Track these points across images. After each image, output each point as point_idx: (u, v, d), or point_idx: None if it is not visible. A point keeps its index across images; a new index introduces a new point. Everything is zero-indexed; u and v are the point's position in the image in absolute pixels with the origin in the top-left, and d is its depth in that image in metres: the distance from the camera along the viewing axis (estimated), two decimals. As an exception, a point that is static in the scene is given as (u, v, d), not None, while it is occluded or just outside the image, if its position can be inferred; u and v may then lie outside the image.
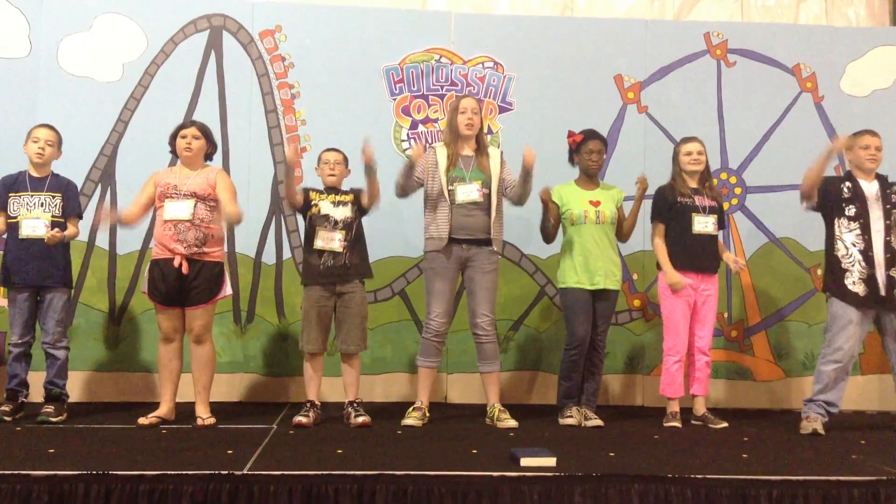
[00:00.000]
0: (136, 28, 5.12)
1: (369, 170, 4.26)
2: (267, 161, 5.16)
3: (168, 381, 4.28)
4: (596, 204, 4.49)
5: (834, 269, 4.37)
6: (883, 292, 4.26)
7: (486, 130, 4.90)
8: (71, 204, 4.40)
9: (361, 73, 5.21)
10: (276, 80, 5.19)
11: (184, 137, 4.25)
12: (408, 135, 5.20)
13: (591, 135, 4.53)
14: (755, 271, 5.33)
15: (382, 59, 5.24)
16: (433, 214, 4.41)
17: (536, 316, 5.26)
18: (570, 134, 4.58)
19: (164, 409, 4.23)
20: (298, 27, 5.22)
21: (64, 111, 4.96)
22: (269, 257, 5.15)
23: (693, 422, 4.54)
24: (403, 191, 4.47)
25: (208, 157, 4.40)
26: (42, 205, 4.31)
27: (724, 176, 5.38)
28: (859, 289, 4.28)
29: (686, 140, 4.61)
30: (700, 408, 4.56)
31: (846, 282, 4.31)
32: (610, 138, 5.23)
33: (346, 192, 4.44)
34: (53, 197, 4.34)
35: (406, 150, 5.12)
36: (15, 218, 4.29)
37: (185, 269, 4.12)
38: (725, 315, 5.31)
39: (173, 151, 4.35)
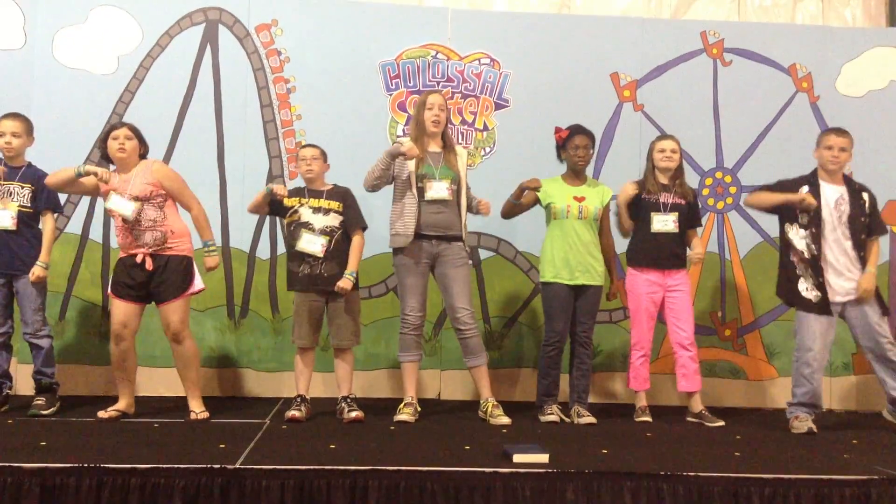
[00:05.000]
0: (131, 21, 5.09)
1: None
2: (262, 155, 5.14)
3: (125, 380, 4.22)
4: (580, 199, 4.47)
5: (787, 275, 4.37)
6: (834, 298, 4.25)
7: (466, 124, 4.89)
8: (42, 197, 4.33)
9: (357, 68, 5.20)
10: (271, 75, 5.17)
11: (115, 139, 4.14)
12: (403, 131, 5.19)
13: (577, 130, 4.52)
14: (749, 271, 5.34)
15: (379, 54, 5.22)
16: (399, 210, 4.35)
17: (531, 313, 5.26)
18: (557, 130, 4.58)
19: (123, 404, 4.19)
20: (295, 22, 5.20)
21: (59, 103, 4.96)
22: (263, 252, 5.14)
23: (689, 419, 4.55)
24: (374, 188, 4.38)
25: (141, 157, 4.26)
26: (11, 194, 4.29)
27: (719, 175, 5.38)
28: (811, 295, 4.28)
29: (661, 137, 4.65)
30: (696, 405, 4.54)
31: (799, 287, 4.30)
32: (605, 136, 5.25)
33: (330, 199, 4.34)
34: (23, 187, 4.31)
35: (398, 136, 5.10)
36: None
37: (148, 265, 4.08)
38: (719, 314, 5.32)
39: (105, 156, 4.25)
